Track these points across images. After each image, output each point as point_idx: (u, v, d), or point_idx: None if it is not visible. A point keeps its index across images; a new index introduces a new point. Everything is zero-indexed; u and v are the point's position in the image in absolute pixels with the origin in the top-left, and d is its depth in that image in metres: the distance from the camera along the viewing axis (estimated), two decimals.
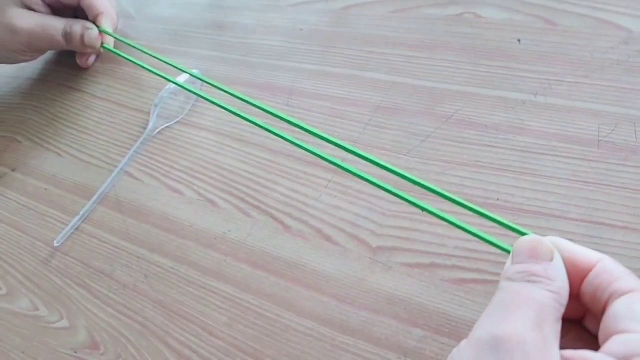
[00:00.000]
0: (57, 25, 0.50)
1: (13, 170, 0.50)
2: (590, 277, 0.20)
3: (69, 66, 0.57)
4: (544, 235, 0.22)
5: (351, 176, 0.38)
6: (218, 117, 0.46)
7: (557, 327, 0.19)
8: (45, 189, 0.47)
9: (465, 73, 0.40)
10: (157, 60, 0.45)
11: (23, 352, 0.39)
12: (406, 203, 0.29)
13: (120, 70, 0.54)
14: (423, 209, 0.27)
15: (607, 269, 0.20)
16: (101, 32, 0.51)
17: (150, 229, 0.41)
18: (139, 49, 0.47)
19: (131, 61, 0.47)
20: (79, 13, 0.53)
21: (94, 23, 0.52)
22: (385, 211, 0.36)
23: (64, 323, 0.39)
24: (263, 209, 0.39)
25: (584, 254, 0.21)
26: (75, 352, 0.37)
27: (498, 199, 0.34)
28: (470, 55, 0.41)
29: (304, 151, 0.32)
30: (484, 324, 0.20)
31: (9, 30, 0.49)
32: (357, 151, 0.30)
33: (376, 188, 0.30)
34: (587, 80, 0.37)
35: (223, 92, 0.39)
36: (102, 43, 0.52)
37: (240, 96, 0.37)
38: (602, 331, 0.19)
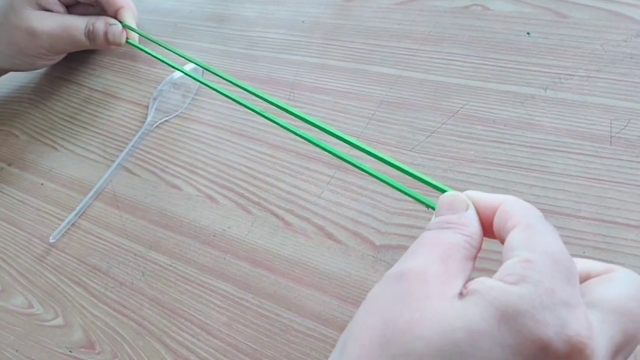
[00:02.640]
0: (78, 24, 0.48)
1: (9, 164, 0.49)
2: (495, 220, 0.22)
3: (66, 59, 0.56)
4: None
5: (354, 172, 0.37)
6: (218, 111, 0.45)
7: (467, 264, 0.21)
8: (41, 184, 0.46)
9: (473, 67, 0.39)
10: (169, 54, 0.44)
11: (17, 350, 0.38)
12: (411, 200, 0.28)
13: (118, 62, 0.53)
14: (428, 206, 0.26)
15: (504, 209, 0.22)
16: (124, 27, 0.48)
17: (148, 225, 0.40)
18: (162, 46, 0.44)
19: (158, 58, 0.43)
20: (92, 10, 0.51)
21: (115, 18, 0.49)
22: (389, 208, 0.35)
23: (59, 321, 0.38)
24: (263, 206, 0.38)
25: (493, 199, 0.23)
26: (70, 351, 0.36)
27: None
28: (478, 49, 0.40)
29: (305, 146, 0.31)
30: (397, 264, 0.21)
31: (28, 34, 0.46)
32: (361, 145, 0.29)
33: (379, 184, 0.29)
34: (598, 74, 0.36)
35: (225, 84, 0.38)
36: (127, 39, 0.49)
37: (243, 85, 0.36)
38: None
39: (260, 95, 0.34)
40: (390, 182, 0.28)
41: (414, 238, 0.33)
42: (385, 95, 0.40)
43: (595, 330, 0.17)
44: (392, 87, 0.40)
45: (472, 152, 0.35)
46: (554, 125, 0.35)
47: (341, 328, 0.31)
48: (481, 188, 0.33)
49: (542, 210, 0.31)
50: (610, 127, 0.33)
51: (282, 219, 0.37)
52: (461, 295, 0.19)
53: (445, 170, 0.35)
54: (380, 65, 0.42)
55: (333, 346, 0.31)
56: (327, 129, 0.30)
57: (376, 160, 0.28)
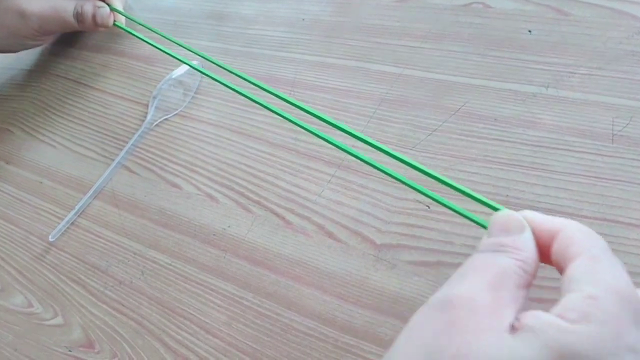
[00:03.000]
0: (67, 6, 0.49)
1: (7, 162, 0.49)
2: (555, 246, 0.20)
3: (64, 56, 0.56)
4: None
5: (355, 171, 0.37)
6: (218, 109, 0.45)
7: (520, 293, 0.19)
8: (40, 182, 0.46)
9: (474, 64, 0.39)
10: (164, 45, 0.44)
11: (15, 350, 0.38)
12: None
13: (117, 60, 0.53)
14: (434, 199, 0.26)
15: (567, 235, 0.20)
16: (112, 10, 0.50)
17: (147, 224, 0.40)
18: (149, 29, 0.46)
19: (143, 40, 0.44)
20: None
21: (104, 1, 0.50)
22: (390, 207, 0.34)
23: (58, 320, 0.38)
24: (264, 204, 0.38)
25: (552, 222, 0.21)
26: (69, 350, 0.36)
27: (507, 195, 0.32)
28: (479, 46, 0.40)
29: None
30: (442, 288, 0.20)
31: (18, 16, 0.47)
32: (364, 137, 0.28)
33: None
34: (600, 72, 0.35)
35: (224, 80, 0.38)
36: (114, 21, 0.50)
37: (244, 76, 0.35)
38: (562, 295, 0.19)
39: (262, 86, 0.34)
40: (396, 176, 0.28)
41: (414, 237, 0.33)
42: (386, 93, 0.40)
43: None
44: (392, 85, 0.40)
45: (474, 150, 0.35)
46: (555, 123, 0.34)
47: (341, 327, 0.31)
48: (482, 187, 0.33)
49: (544, 209, 0.31)
50: (612, 125, 0.33)
51: (283, 218, 0.36)
52: (513, 329, 0.17)
53: (446, 168, 0.35)
54: (381, 63, 0.42)
55: (333, 346, 0.31)
56: (335, 123, 0.30)
57: (384, 156, 0.28)
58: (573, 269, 0.19)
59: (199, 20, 0.53)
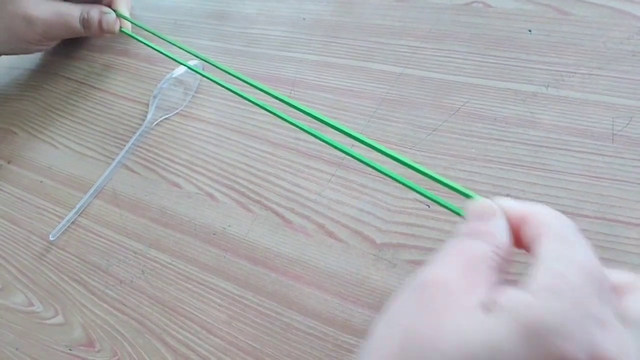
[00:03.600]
0: (73, 12, 0.49)
1: (9, 162, 0.49)
2: (525, 228, 0.21)
3: (65, 56, 0.56)
4: None
5: (355, 170, 0.37)
6: (218, 108, 0.45)
7: (493, 275, 0.20)
8: (41, 182, 0.46)
9: (474, 64, 0.39)
10: (170, 51, 0.44)
11: (17, 349, 0.38)
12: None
13: (118, 60, 0.53)
14: (434, 200, 0.26)
15: (535, 218, 0.21)
16: (118, 16, 0.50)
17: (148, 224, 0.40)
18: (156, 34, 0.46)
19: (150, 46, 0.44)
20: None
21: (109, 7, 0.50)
22: (390, 206, 0.34)
23: (59, 319, 0.38)
24: (264, 204, 0.38)
25: (525, 208, 0.22)
26: (70, 349, 0.36)
27: (508, 195, 0.32)
28: (479, 46, 0.40)
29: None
30: (418, 273, 0.20)
31: (24, 21, 0.47)
32: (363, 138, 0.28)
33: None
34: (600, 72, 0.35)
35: (229, 85, 0.38)
36: (120, 27, 0.50)
37: (244, 78, 0.35)
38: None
39: (262, 87, 0.34)
40: (399, 179, 0.28)
41: (414, 236, 0.33)
42: (387, 93, 0.40)
43: (627, 348, 0.16)
44: (393, 84, 0.40)
45: (473, 150, 0.35)
46: (555, 123, 0.34)
47: (342, 326, 0.31)
48: (482, 186, 0.33)
49: None
50: (612, 124, 0.33)
51: (283, 217, 0.37)
52: (484, 307, 0.18)
53: (446, 168, 0.35)
54: (382, 62, 0.42)
55: (333, 345, 0.31)
56: (332, 123, 0.30)
57: (384, 156, 0.28)
58: (541, 249, 0.19)
59: (199, 19, 0.53)
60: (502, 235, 0.21)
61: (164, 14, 0.55)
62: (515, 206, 0.22)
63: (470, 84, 0.38)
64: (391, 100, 0.39)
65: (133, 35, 0.49)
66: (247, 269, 0.35)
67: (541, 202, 0.31)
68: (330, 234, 0.35)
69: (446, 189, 0.26)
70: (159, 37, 0.44)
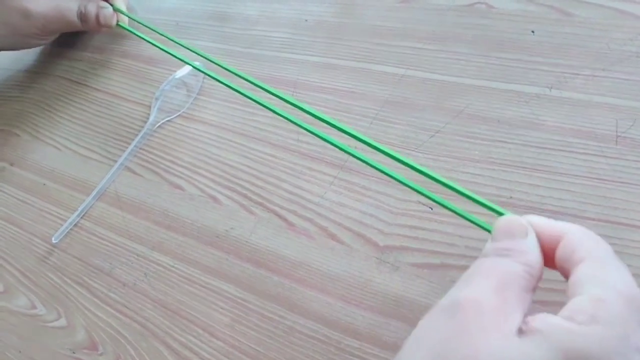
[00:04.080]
0: (71, 6, 0.49)
1: (11, 164, 0.49)
2: (559, 250, 0.20)
3: (67, 58, 0.56)
4: None
5: (357, 172, 0.36)
6: (220, 110, 0.45)
7: (525, 296, 0.19)
8: (44, 184, 0.46)
9: (477, 66, 0.39)
10: (166, 46, 0.44)
11: (20, 352, 0.38)
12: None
13: (120, 62, 0.53)
14: (436, 201, 0.26)
15: (571, 239, 0.20)
16: (115, 10, 0.50)
17: (151, 226, 0.40)
18: (151, 29, 0.46)
19: (146, 40, 0.45)
20: None
21: (107, 1, 0.50)
22: (393, 209, 0.34)
23: (62, 322, 0.38)
24: (266, 206, 0.38)
25: (556, 226, 0.21)
26: (73, 352, 0.36)
27: (511, 197, 0.32)
28: (482, 47, 0.40)
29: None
30: (449, 292, 0.20)
31: (22, 15, 0.47)
32: (366, 139, 0.28)
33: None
34: (604, 73, 0.35)
35: (227, 82, 0.38)
36: (117, 21, 0.51)
37: (246, 77, 0.35)
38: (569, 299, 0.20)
39: (264, 87, 0.34)
40: (403, 181, 0.28)
41: (417, 239, 0.33)
42: (389, 94, 0.40)
43: None
44: (395, 86, 0.40)
45: (476, 152, 0.35)
46: (559, 124, 0.34)
47: (345, 330, 0.31)
48: (485, 188, 0.33)
49: (547, 211, 0.31)
50: (616, 126, 0.33)
51: (285, 220, 0.36)
52: (521, 332, 0.17)
53: (449, 170, 0.35)
54: (384, 64, 0.42)
55: (337, 348, 0.31)
56: (336, 124, 0.29)
57: (386, 157, 0.28)
58: (579, 273, 0.19)
59: (201, 21, 0.53)
60: (534, 254, 0.20)
61: (166, 15, 0.55)
62: (547, 224, 0.21)
63: (473, 85, 0.38)
64: (393, 102, 0.39)
65: (130, 29, 0.49)
66: (249, 271, 0.35)
67: (544, 204, 0.31)
68: (333, 237, 0.35)
69: (447, 189, 0.25)
70: (155, 31, 0.45)
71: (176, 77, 0.48)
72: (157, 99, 0.47)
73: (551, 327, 0.17)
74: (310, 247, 0.35)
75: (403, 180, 0.27)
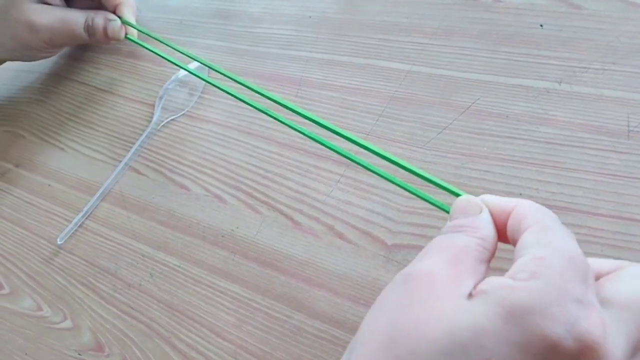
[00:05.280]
0: (78, 18, 0.48)
1: (16, 165, 0.49)
2: (509, 222, 0.21)
3: (71, 58, 0.56)
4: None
5: (364, 170, 0.36)
6: (225, 109, 0.44)
7: (479, 267, 0.20)
8: (49, 185, 0.46)
9: (484, 60, 0.38)
10: (172, 51, 0.44)
11: (26, 353, 0.38)
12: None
13: (123, 61, 0.53)
14: (440, 208, 0.26)
15: (518, 211, 0.21)
16: (123, 23, 0.49)
17: (156, 226, 0.40)
18: (162, 42, 0.44)
19: (156, 53, 0.43)
20: (91, 4, 0.50)
21: (114, 13, 0.49)
22: (401, 207, 0.34)
23: (68, 323, 0.38)
24: (272, 205, 0.37)
25: (508, 203, 0.22)
26: (79, 354, 0.36)
27: (521, 194, 0.32)
28: (489, 42, 0.39)
29: (314, 144, 0.30)
30: (404, 268, 0.21)
31: (28, 28, 0.47)
32: (367, 145, 0.28)
33: (390, 183, 0.28)
34: (614, 67, 0.35)
35: (232, 83, 0.37)
36: (126, 34, 0.49)
37: (248, 84, 0.35)
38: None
39: (266, 94, 0.33)
40: (401, 184, 0.27)
41: (426, 237, 0.32)
42: (395, 91, 0.39)
43: (610, 329, 0.17)
44: (401, 82, 0.39)
45: (485, 148, 0.34)
46: (568, 119, 0.34)
47: (353, 329, 0.31)
48: (495, 185, 0.33)
49: (558, 208, 0.31)
50: (628, 121, 0.32)
51: (291, 219, 0.36)
52: (470, 296, 0.18)
53: (458, 167, 0.34)
54: (389, 60, 0.41)
55: (344, 348, 0.30)
56: (334, 128, 0.29)
57: (386, 161, 0.27)
58: (524, 238, 0.20)
59: (205, 19, 0.52)
60: (487, 229, 0.22)
61: (170, 14, 0.55)
62: (499, 201, 0.22)
63: (480, 80, 0.37)
64: (399, 99, 0.39)
65: (139, 42, 0.47)
66: (256, 271, 0.35)
67: (555, 200, 0.31)
68: (340, 235, 0.34)
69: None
70: (165, 44, 0.43)
71: (180, 76, 0.48)
72: (160, 98, 0.47)
73: (494, 286, 0.18)
74: (317, 246, 0.34)
75: (402, 184, 0.27)
